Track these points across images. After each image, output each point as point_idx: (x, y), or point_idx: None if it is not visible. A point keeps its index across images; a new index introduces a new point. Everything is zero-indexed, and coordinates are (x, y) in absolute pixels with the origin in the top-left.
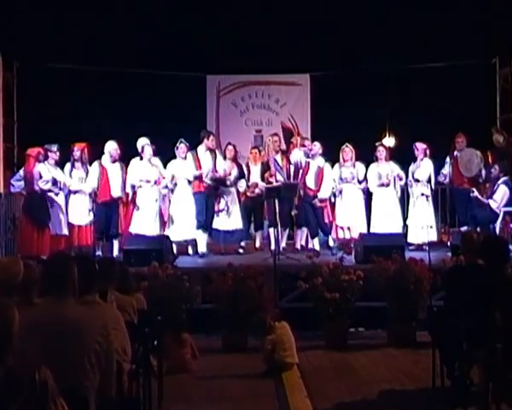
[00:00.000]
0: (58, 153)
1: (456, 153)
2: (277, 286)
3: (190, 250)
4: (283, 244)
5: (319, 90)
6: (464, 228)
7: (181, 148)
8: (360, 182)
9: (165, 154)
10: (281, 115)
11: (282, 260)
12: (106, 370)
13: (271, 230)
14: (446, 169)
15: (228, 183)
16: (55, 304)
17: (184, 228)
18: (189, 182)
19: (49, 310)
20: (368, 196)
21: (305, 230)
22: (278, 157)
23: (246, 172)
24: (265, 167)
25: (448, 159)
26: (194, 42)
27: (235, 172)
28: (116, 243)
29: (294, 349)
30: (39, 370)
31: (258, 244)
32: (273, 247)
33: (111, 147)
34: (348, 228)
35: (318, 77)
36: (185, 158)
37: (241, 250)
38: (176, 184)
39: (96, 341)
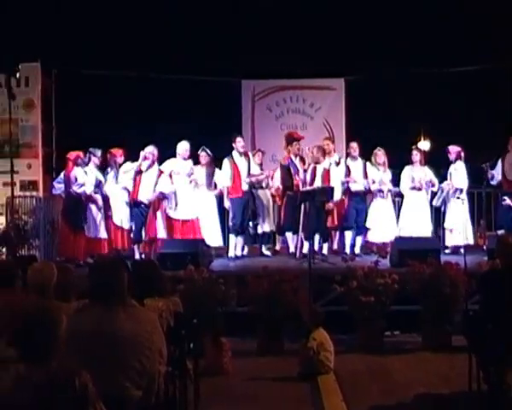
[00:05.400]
0: (100, 158)
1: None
2: (312, 289)
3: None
4: (324, 250)
5: (354, 94)
6: (501, 231)
7: (202, 156)
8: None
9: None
10: (316, 120)
11: (318, 264)
12: (149, 377)
13: (290, 234)
14: (497, 170)
15: (264, 185)
16: (104, 312)
17: (210, 234)
18: (215, 186)
19: (98, 318)
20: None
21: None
22: (297, 161)
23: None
24: (286, 172)
25: (500, 161)
26: (229, 47)
27: (266, 174)
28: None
29: (333, 354)
30: (80, 375)
31: (291, 248)
32: (292, 250)
33: (147, 150)
34: (379, 231)
35: (353, 81)
36: (205, 165)
37: (267, 252)
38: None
39: (143, 349)
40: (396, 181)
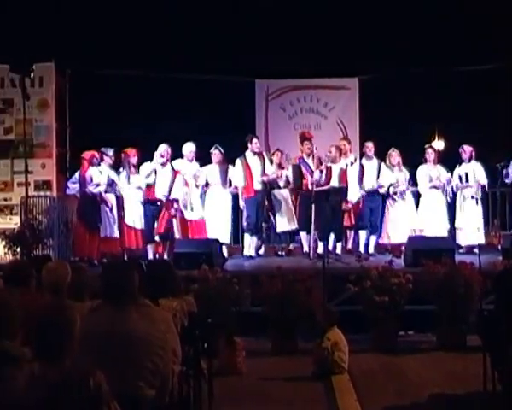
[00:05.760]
0: (113, 157)
1: None
2: (326, 289)
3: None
4: (338, 250)
5: (368, 93)
6: None
7: (214, 154)
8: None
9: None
10: (329, 119)
11: (331, 263)
12: (163, 376)
13: (304, 234)
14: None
15: (281, 184)
16: (116, 312)
17: (220, 232)
18: (230, 184)
19: (110, 318)
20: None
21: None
22: (310, 160)
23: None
24: (298, 172)
25: None
26: (242, 46)
27: (285, 172)
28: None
29: (348, 355)
30: (94, 374)
31: (305, 248)
32: (306, 250)
33: (162, 148)
34: (396, 230)
35: (367, 80)
36: (218, 163)
37: (281, 252)
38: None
39: (156, 349)
40: (413, 181)
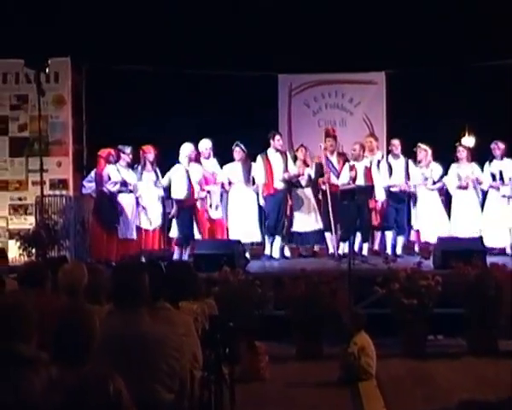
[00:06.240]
0: (131, 155)
1: None
2: (352, 291)
3: (247, 254)
4: (364, 251)
5: (395, 88)
6: None
7: (236, 151)
8: (435, 182)
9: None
10: (355, 115)
11: (357, 265)
12: (180, 379)
13: (329, 234)
14: None
15: (303, 183)
16: (128, 315)
17: (244, 232)
18: (253, 182)
19: (122, 322)
20: (447, 197)
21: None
22: (334, 159)
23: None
24: (319, 170)
25: None
26: (264, 40)
27: (308, 171)
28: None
29: (375, 360)
30: (113, 379)
31: (330, 249)
32: (331, 251)
33: (189, 149)
34: (424, 231)
35: (394, 75)
36: (240, 160)
37: (306, 253)
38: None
39: (171, 351)
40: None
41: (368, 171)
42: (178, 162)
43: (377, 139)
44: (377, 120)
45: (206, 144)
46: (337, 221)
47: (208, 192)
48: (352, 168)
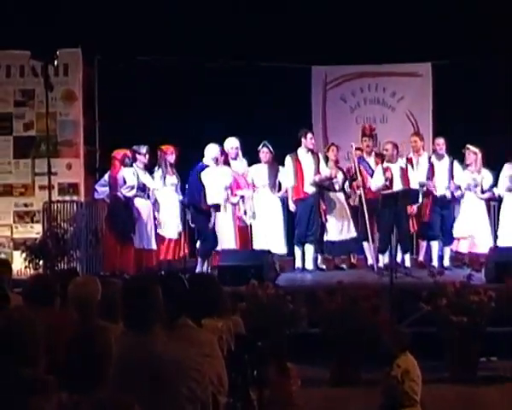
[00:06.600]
0: (147, 156)
1: None
2: (395, 308)
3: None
4: (407, 262)
5: (443, 81)
6: None
7: (263, 152)
8: (484, 191)
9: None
10: (398, 111)
11: (400, 278)
12: (202, 403)
13: (367, 244)
14: None
15: (337, 187)
16: (140, 335)
17: (271, 242)
18: (279, 188)
19: (134, 342)
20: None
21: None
22: (371, 160)
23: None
24: (353, 174)
25: None
26: (297, 29)
27: (341, 175)
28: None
29: (420, 385)
30: (132, 407)
31: (370, 260)
32: (370, 262)
33: (216, 150)
34: (470, 240)
35: (442, 66)
36: (267, 163)
37: (342, 265)
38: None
39: (192, 373)
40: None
41: (404, 172)
42: (202, 164)
43: (423, 138)
44: (422, 116)
45: (232, 143)
46: (374, 229)
47: (242, 197)
48: (386, 170)
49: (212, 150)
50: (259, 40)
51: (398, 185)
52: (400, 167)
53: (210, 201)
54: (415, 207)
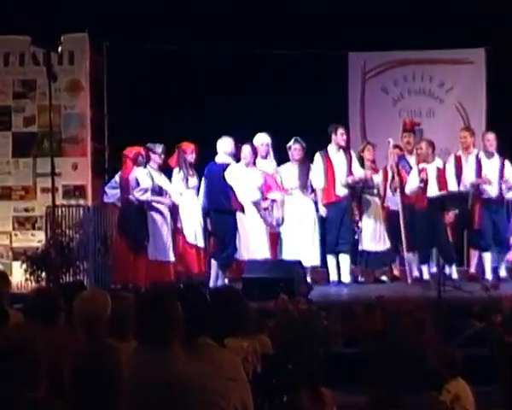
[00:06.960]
0: (163, 156)
1: None
2: (442, 325)
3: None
4: (455, 274)
5: (497, 69)
6: None
7: (294, 149)
8: None
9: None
10: (446, 103)
11: (449, 292)
12: None
13: (410, 255)
14: None
15: (375, 191)
16: (156, 354)
17: (302, 251)
18: (312, 190)
19: (148, 361)
20: None
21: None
22: (413, 159)
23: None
24: (392, 174)
25: None
26: (330, 8)
27: (377, 177)
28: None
29: None
30: None
31: (414, 273)
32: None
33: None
34: None
35: (497, 51)
36: (298, 161)
37: (383, 278)
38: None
39: (213, 398)
40: None
41: (441, 173)
42: (223, 163)
43: (473, 134)
44: (474, 109)
45: (262, 139)
46: (413, 238)
47: (273, 201)
48: (421, 171)
49: (225, 144)
50: (287, 24)
51: (433, 188)
52: (437, 168)
53: (241, 202)
54: (451, 214)
